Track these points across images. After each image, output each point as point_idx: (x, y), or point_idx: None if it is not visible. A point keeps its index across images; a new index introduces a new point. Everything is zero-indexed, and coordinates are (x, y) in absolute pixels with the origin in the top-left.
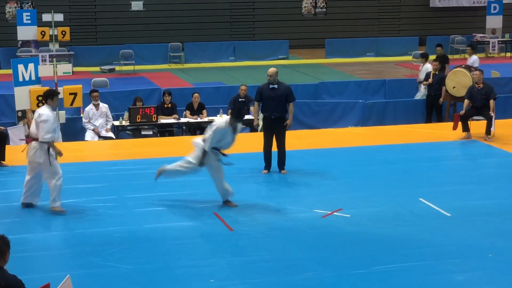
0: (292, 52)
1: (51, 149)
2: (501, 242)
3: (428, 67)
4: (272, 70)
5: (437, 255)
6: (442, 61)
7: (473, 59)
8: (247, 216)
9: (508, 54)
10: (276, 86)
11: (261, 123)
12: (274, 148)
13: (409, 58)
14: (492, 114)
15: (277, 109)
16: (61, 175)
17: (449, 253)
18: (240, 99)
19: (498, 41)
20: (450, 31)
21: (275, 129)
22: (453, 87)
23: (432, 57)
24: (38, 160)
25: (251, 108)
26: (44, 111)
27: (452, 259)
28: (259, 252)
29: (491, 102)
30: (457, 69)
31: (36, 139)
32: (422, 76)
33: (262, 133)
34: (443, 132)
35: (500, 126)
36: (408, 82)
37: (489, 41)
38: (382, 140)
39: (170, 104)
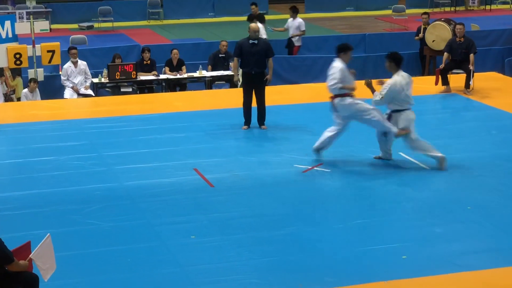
0: (272, 7)
1: None
2: (480, 195)
3: None
4: (256, 25)
5: (416, 209)
6: None
7: None
8: (227, 172)
9: (488, 7)
10: (256, 41)
11: (241, 78)
12: (254, 104)
13: (389, 12)
14: (472, 68)
15: (257, 64)
16: None
17: (428, 206)
18: (220, 55)
19: None
20: None
21: (255, 84)
22: (433, 41)
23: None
24: None
25: (231, 64)
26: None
27: (431, 212)
28: (239, 208)
29: (471, 56)
30: (436, 22)
31: None
32: None
33: (241, 89)
34: (423, 86)
35: (479, 79)
36: (388, 36)
37: None
38: (362, 95)
39: (149, 61)
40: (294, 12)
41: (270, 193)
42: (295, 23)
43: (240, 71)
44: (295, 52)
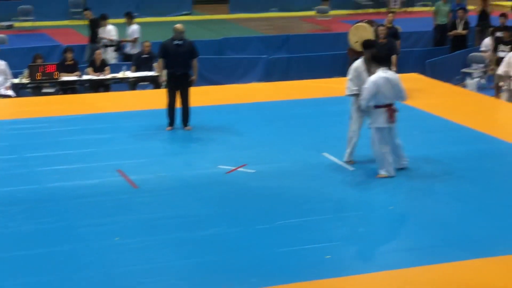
0: (196, 8)
1: None
2: (401, 194)
3: None
4: (181, 26)
5: (340, 209)
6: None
7: None
8: (152, 173)
9: (409, 9)
10: (180, 42)
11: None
12: (178, 104)
13: (313, 13)
14: (394, 69)
15: (182, 65)
16: None
17: (351, 206)
18: (143, 56)
19: None
20: None
21: (179, 85)
22: (356, 42)
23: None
24: None
25: (155, 64)
26: None
27: (354, 211)
28: (163, 209)
29: (393, 57)
30: (359, 23)
31: None
32: None
33: (165, 90)
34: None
35: (401, 80)
36: (312, 37)
37: None
38: (286, 95)
39: (72, 61)
40: (130, 18)
41: (195, 194)
42: (129, 30)
43: (165, 71)
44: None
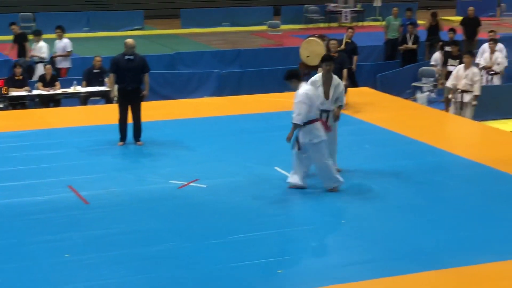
0: (147, 23)
1: None
2: (353, 208)
3: None
4: (132, 41)
5: (292, 223)
6: None
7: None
8: (103, 189)
9: (360, 24)
10: (132, 57)
11: (117, 94)
12: (130, 119)
13: (264, 27)
14: (345, 83)
15: (133, 80)
16: None
17: (303, 220)
18: (94, 71)
19: (351, 10)
20: (303, 0)
21: (131, 100)
22: (307, 56)
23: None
24: None
25: (106, 79)
26: None
27: (306, 225)
28: (115, 224)
29: (344, 71)
30: (310, 38)
31: None
32: None
33: (117, 105)
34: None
35: (352, 94)
36: (263, 52)
37: (341, 11)
38: (238, 110)
39: (21, 76)
40: (61, 32)
41: (146, 209)
42: (61, 44)
43: (116, 86)
44: (63, 74)
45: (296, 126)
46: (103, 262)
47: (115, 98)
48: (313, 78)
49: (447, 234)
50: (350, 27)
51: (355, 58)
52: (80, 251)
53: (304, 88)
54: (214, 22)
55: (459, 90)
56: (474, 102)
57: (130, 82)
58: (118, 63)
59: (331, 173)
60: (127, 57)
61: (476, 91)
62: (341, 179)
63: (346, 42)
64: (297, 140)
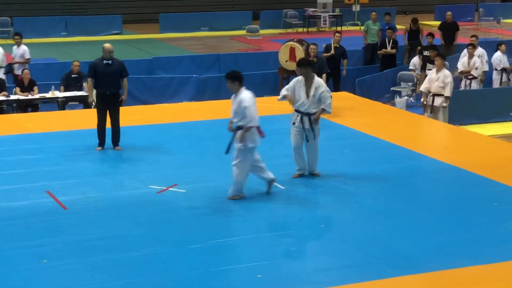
0: (126, 27)
1: None
2: (333, 212)
3: None
4: (110, 45)
5: (272, 227)
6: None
7: None
8: (81, 194)
9: (339, 28)
10: (110, 61)
11: (95, 99)
12: (108, 124)
13: (243, 32)
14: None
15: (112, 84)
16: None
17: (283, 224)
18: (73, 75)
19: (329, 15)
20: (282, 5)
21: (109, 105)
22: (286, 61)
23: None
24: None
25: (84, 84)
26: None
27: (286, 230)
28: (94, 230)
29: (324, 76)
30: (289, 43)
31: None
32: None
33: (95, 110)
34: (277, 105)
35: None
36: (242, 56)
37: (320, 15)
38: (217, 115)
39: None
40: (19, 39)
41: (125, 215)
42: (20, 51)
43: (94, 91)
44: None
45: (249, 129)
46: (81, 267)
47: (93, 103)
48: (296, 79)
49: (426, 238)
50: (338, 32)
51: (345, 61)
52: (58, 256)
53: (248, 92)
54: (193, 26)
55: (431, 94)
56: (445, 104)
57: (109, 86)
58: (96, 68)
59: (243, 183)
60: (105, 61)
61: (447, 92)
62: (242, 194)
63: (335, 47)
64: (230, 143)
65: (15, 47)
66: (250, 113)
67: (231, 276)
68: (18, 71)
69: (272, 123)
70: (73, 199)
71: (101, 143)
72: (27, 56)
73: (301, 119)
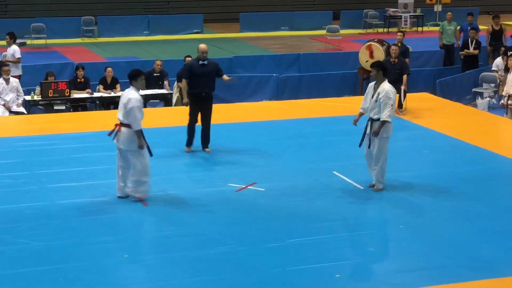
0: (207, 26)
1: None
2: (412, 214)
3: None
4: (205, 46)
5: (350, 228)
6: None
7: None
8: (162, 191)
9: (420, 29)
10: (205, 62)
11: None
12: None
13: (323, 32)
14: (404, 88)
15: (207, 85)
16: None
17: (362, 225)
18: (154, 74)
19: (410, 15)
20: (363, 5)
21: (203, 105)
22: (366, 61)
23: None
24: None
25: (165, 82)
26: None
27: (364, 231)
28: (172, 227)
29: (404, 77)
30: (369, 43)
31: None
32: None
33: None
34: (357, 105)
35: (412, 99)
36: (322, 56)
37: (401, 16)
38: (296, 114)
39: (83, 79)
40: (11, 39)
41: (204, 212)
42: (10, 51)
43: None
44: None
45: (141, 132)
46: (160, 263)
47: (185, 103)
48: (371, 83)
49: (506, 242)
50: (400, 31)
51: (406, 60)
52: (138, 252)
53: (135, 93)
54: (273, 26)
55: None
56: None
57: (205, 87)
58: (192, 69)
59: (142, 184)
60: (201, 62)
61: None
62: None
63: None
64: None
65: (6, 47)
66: (133, 114)
67: (309, 276)
68: (16, 72)
69: (351, 123)
70: (152, 196)
71: (189, 142)
72: (18, 55)
73: (370, 123)
